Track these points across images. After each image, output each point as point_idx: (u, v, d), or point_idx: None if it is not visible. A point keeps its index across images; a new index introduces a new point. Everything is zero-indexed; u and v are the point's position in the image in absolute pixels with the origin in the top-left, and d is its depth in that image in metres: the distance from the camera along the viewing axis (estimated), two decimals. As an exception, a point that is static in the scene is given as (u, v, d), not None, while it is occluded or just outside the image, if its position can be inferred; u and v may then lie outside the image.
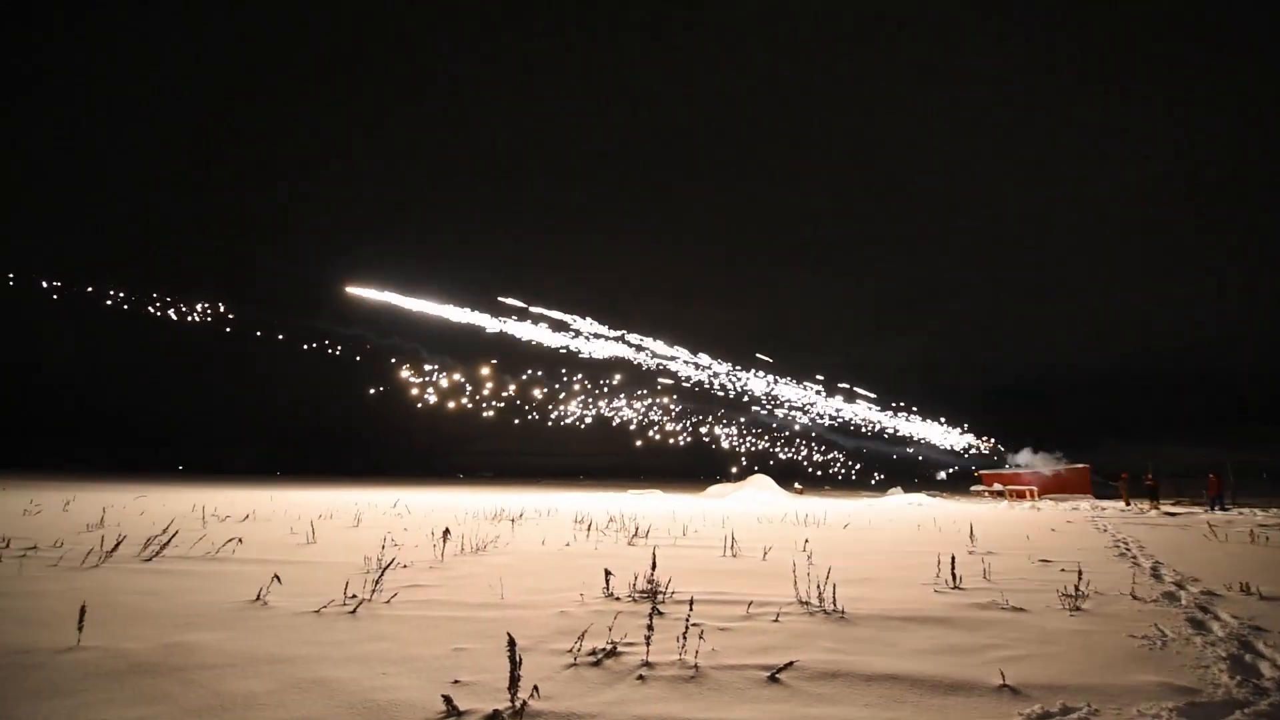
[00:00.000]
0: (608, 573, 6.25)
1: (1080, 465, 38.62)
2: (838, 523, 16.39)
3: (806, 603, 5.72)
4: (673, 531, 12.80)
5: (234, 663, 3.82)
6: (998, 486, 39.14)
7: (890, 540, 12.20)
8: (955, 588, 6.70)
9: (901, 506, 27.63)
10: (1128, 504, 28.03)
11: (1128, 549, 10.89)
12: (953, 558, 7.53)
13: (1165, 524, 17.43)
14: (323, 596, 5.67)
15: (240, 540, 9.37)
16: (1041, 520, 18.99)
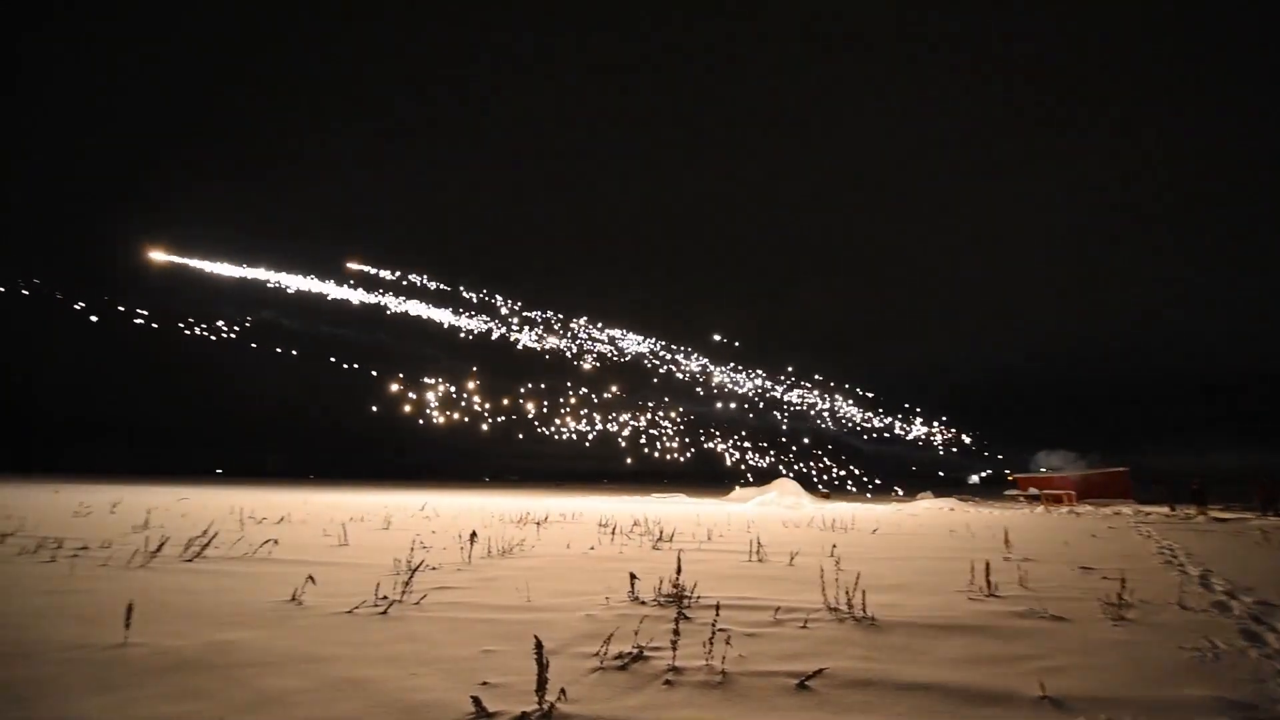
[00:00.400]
0: (633, 576, 6.25)
1: (1119, 468, 37.21)
2: (866, 528, 16.09)
3: (835, 609, 5.63)
4: (697, 536, 12.73)
5: (272, 661, 3.93)
6: (1033, 491, 37.95)
7: (921, 546, 11.93)
8: (990, 595, 6.51)
9: (932, 512, 27.00)
10: (1173, 509, 26.88)
11: (1174, 556, 10.44)
12: (987, 564, 7.32)
13: (1214, 530, 16.66)
14: (355, 597, 5.79)
15: (276, 542, 9.64)
16: (1080, 526, 18.34)
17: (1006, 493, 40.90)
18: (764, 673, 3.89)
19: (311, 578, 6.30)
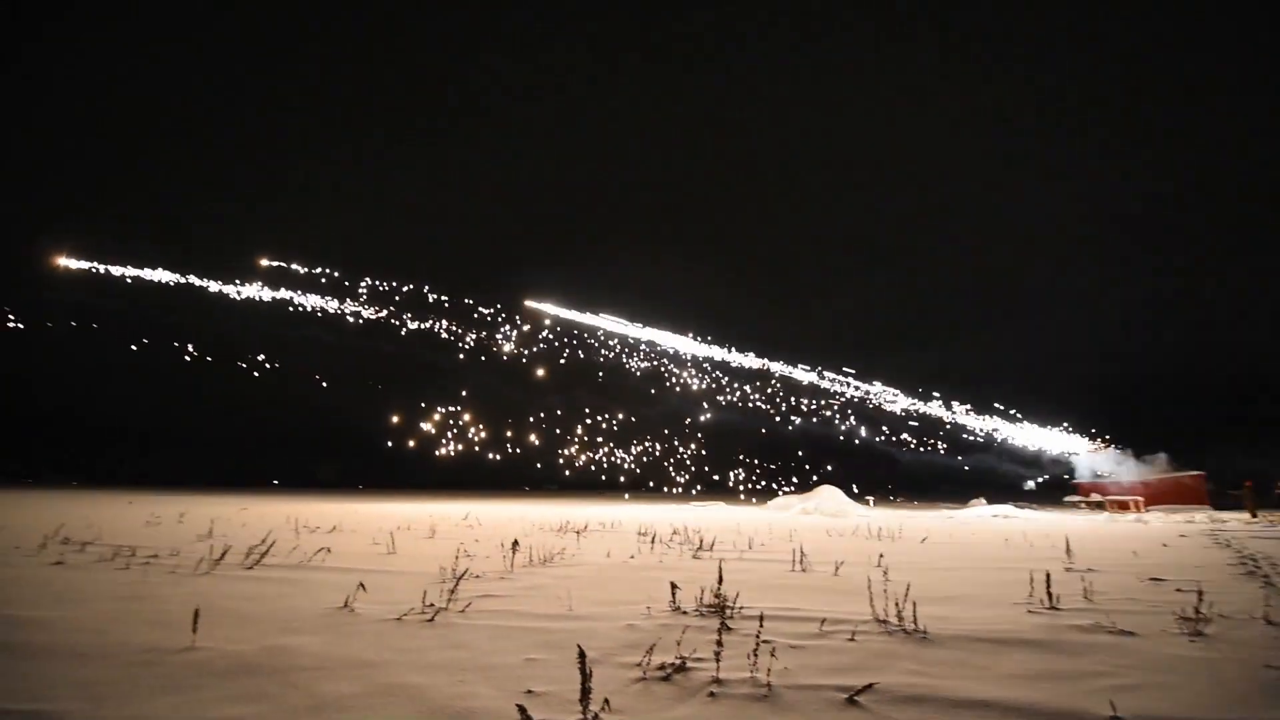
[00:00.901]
0: (674, 586, 6.21)
1: (1193, 471, 34.83)
2: (914, 536, 15.54)
3: (884, 621, 5.45)
4: (738, 544, 12.56)
5: (326, 666, 4.08)
6: (1096, 497, 35.91)
7: (975, 555, 11.43)
8: (1052, 608, 6.18)
9: (985, 518, 25.86)
10: (1254, 515, 24.96)
11: (1257, 566, 9.68)
12: (1047, 575, 6.95)
13: (1304, 539, 15.36)
14: (403, 605, 5.95)
15: (329, 550, 10.01)
16: (1150, 534, 17.23)
17: (1066, 499, 38.83)
18: (810, 686, 3.80)
19: (362, 585, 6.52)
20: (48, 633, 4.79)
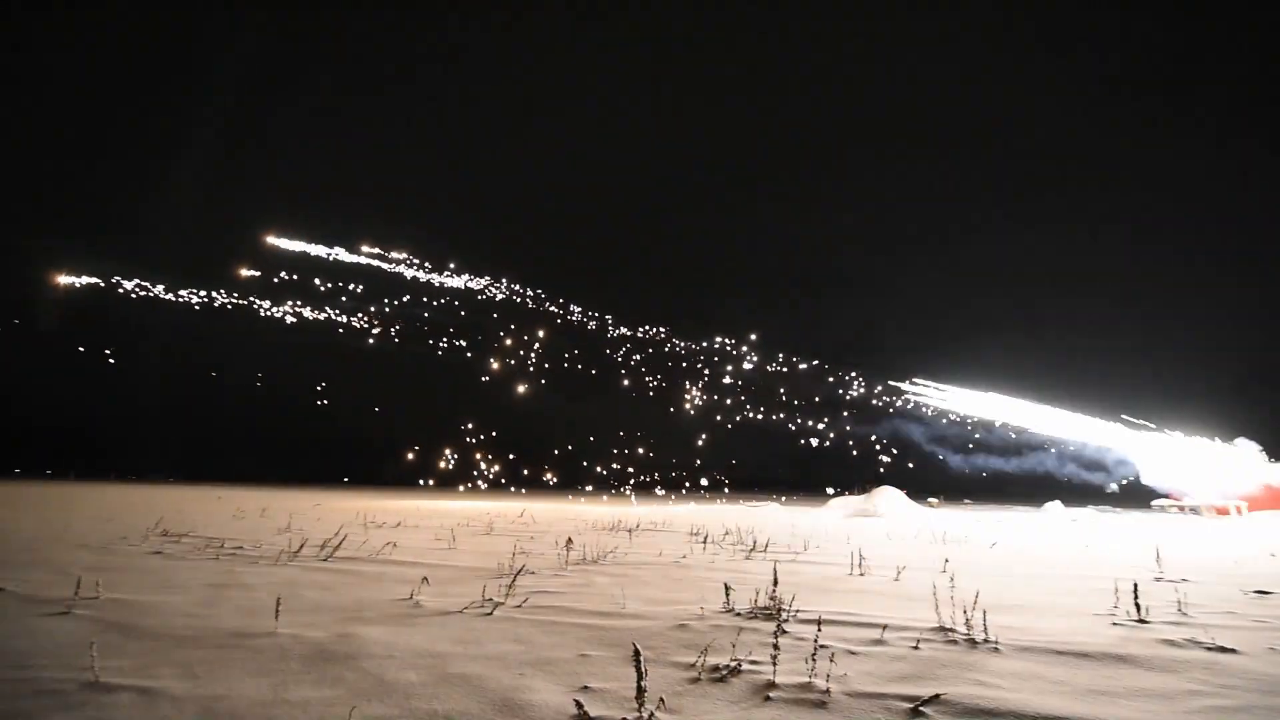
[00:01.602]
0: (727, 587, 6.16)
1: None
2: (983, 541, 14.76)
3: (950, 629, 5.21)
4: (792, 546, 12.30)
5: (393, 654, 4.29)
6: (1189, 501, 32.96)
7: (1050, 562, 10.74)
8: (1139, 620, 5.73)
9: (1062, 523, 24.24)
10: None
11: (1388, 582, 8.62)
12: (1134, 585, 6.43)
13: None
14: (464, 598, 6.17)
15: (395, 545, 10.51)
16: (1256, 541, 15.66)
17: (1155, 503, 35.82)
18: (871, 694, 3.68)
19: (426, 579, 6.81)
20: (151, 616, 5.26)
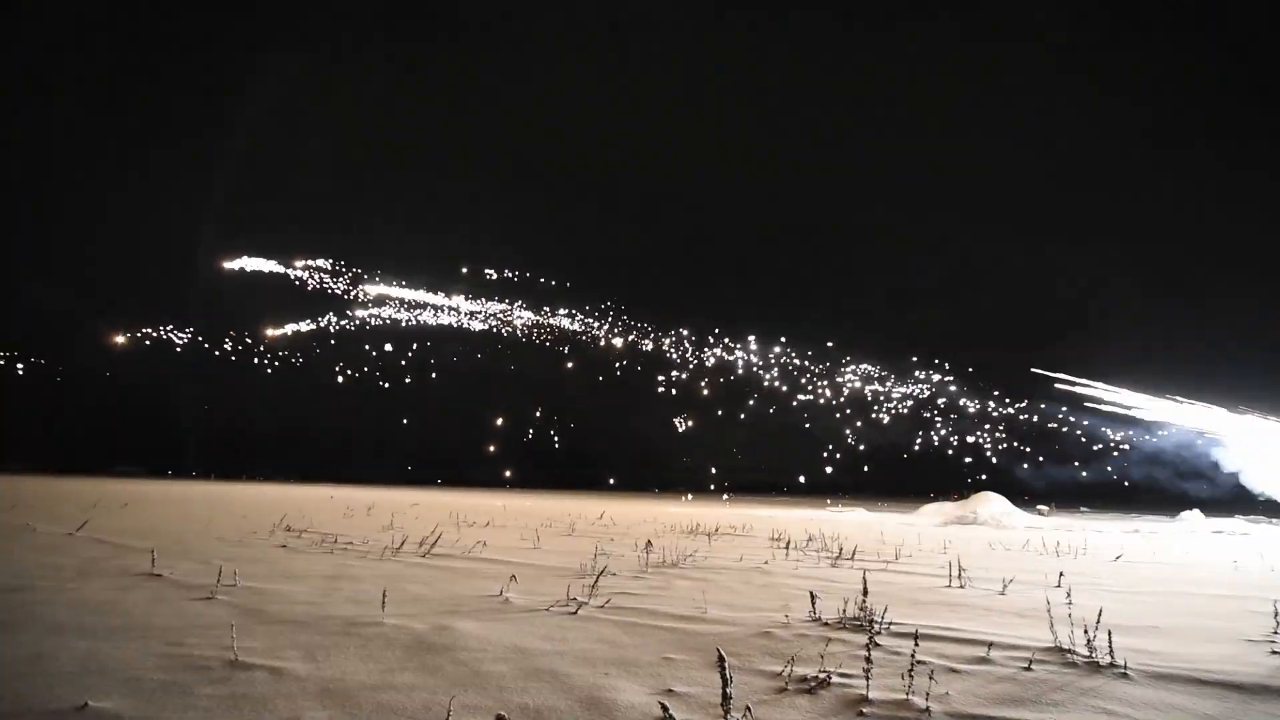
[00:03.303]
0: (813, 595, 5.95)
1: None
2: (1104, 553, 13.30)
3: (1068, 650, 4.73)
4: (882, 554, 11.68)
5: (486, 648, 4.51)
6: None
7: (1189, 579, 9.51)
8: (1307, 651, 4.94)
9: (1201, 535, 21.36)
10: None
11: None
12: (1299, 609, 5.56)
13: None
14: (549, 596, 6.38)
15: (484, 543, 11.06)
16: None
17: None
18: (976, 716, 3.42)
19: (514, 577, 7.11)
20: (278, 603, 5.86)
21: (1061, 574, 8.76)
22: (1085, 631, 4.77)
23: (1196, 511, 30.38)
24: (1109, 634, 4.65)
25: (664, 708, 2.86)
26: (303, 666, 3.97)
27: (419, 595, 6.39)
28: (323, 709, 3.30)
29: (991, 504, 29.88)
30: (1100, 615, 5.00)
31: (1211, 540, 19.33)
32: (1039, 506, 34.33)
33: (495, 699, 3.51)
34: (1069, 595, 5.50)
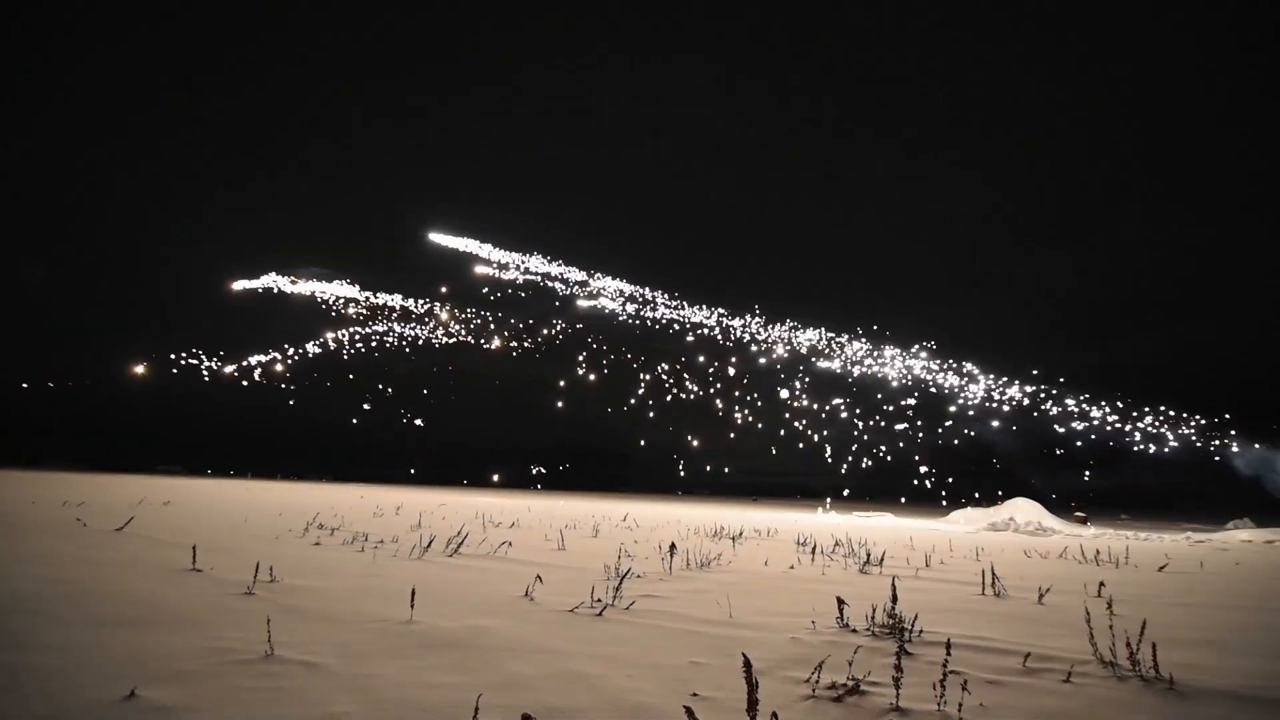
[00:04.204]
0: (841, 601, 5.85)
1: None
2: (1148, 562, 12.78)
3: (1111, 663, 4.56)
4: (912, 561, 11.43)
5: (513, 648, 4.55)
6: None
7: (1241, 592, 9.07)
8: (1373, 670, 4.66)
9: (1252, 545, 20.33)
10: None
11: None
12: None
13: None
14: (574, 598, 6.41)
15: (510, 544, 11.17)
16: None
17: None
18: (1013, 729, 3.31)
19: (539, 577, 7.16)
20: (312, 599, 6.01)
21: (1102, 583, 8.43)
22: (1129, 644, 4.59)
23: (1247, 519, 28.96)
24: (1154, 647, 4.46)
25: (690, 712, 2.84)
26: (336, 662, 4.07)
27: (447, 594, 6.48)
28: (355, 704, 3.37)
29: (1024, 510, 28.99)
30: (1145, 627, 4.80)
31: (1265, 550, 18.41)
32: (1076, 513, 33.15)
33: (522, 700, 3.53)
34: (1111, 605, 5.28)
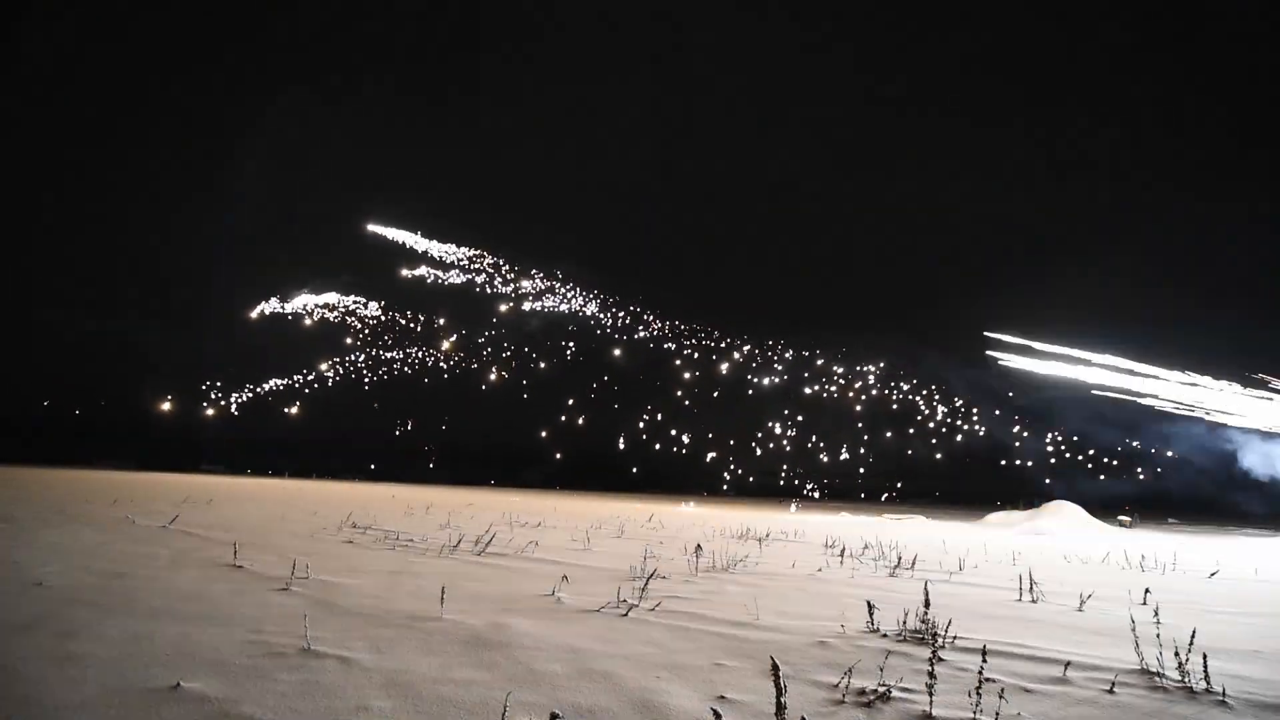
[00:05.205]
0: (871, 605, 5.75)
1: None
2: (1197, 569, 12.22)
3: (1157, 674, 4.38)
4: (945, 565, 11.16)
5: (540, 647, 4.59)
6: None
7: (1299, 601, 8.60)
8: None
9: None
10: None
11: None
12: None
13: None
14: (600, 598, 6.44)
15: (536, 543, 11.28)
16: None
17: None
18: (1051, 739, 3.21)
19: (565, 577, 7.22)
20: (346, 596, 6.17)
21: (1148, 590, 8.10)
22: (1176, 653, 4.40)
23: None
24: (1204, 657, 4.26)
25: (716, 715, 2.83)
26: (369, 657, 4.17)
27: (475, 593, 6.58)
28: (387, 698, 3.45)
29: (1063, 513, 28.01)
30: (1194, 636, 4.59)
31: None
32: (1120, 517, 31.90)
33: (548, 697, 3.57)
34: (1156, 613, 5.05)
